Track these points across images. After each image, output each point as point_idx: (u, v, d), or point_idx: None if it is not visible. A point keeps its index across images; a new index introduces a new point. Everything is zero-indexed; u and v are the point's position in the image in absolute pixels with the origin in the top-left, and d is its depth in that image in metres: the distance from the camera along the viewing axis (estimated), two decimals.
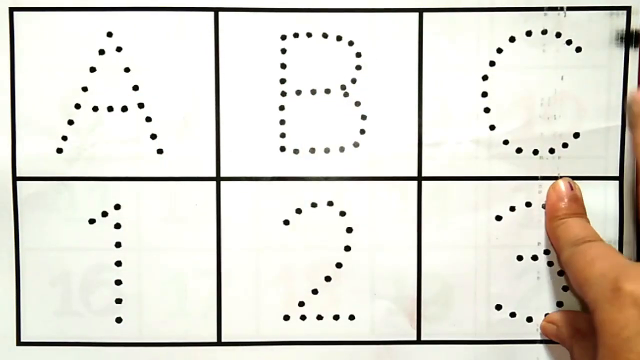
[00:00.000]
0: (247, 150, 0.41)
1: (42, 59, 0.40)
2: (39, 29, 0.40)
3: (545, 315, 0.41)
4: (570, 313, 0.41)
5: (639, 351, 0.30)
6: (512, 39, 0.40)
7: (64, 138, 0.40)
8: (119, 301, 0.41)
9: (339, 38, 0.40)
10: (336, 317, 0.41)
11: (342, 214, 0.41)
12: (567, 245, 0.38)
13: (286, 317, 0.41)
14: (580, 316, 0.40)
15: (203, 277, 0.41)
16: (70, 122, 0.40)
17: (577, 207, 0.40)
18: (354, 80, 0.40)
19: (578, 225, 0.39)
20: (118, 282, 0.41)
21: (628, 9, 0.40)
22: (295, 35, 0.40)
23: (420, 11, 0.40)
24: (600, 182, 0.41)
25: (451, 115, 0.40)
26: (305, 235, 0.41)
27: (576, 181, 0.40)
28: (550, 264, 0.41)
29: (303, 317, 0.41)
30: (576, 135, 0.40)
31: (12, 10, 0.40)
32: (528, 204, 0.41)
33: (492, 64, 0.40)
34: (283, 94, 0.40)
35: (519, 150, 0.41)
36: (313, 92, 0.40)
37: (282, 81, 0.40)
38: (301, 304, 0.41)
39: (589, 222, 0.40)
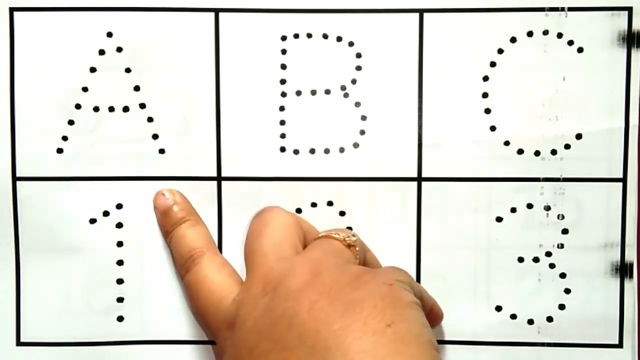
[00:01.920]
0: (247, 151, 0.41)
1: (42, 59, 0.40)
2: (39, 29, 0.40)
3: (547, 317, 0.41)
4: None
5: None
6: (513, 40, 0.40)
7: (65, 138, 0.40)
8: (120, 300, 0.41)
9: (339, 39, 0.40)
10: None
11: (342, 214, 0.41)
12: (181, 267, 0.40)
13: None
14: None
15: None
16: (71, 122, 0.40)
17: (174, 216, 0.40)
18: (354, 81, 0.40)
19: (185, 240, 0.39)
20: (119, 281, 0.41)
21: (630, 10, 0.40)
22: (296, 35, 0.40)
23: (421, 12, 0.40)
24: (604, 183, 0.40)
25: (451, 116, 0.40)
26: None
27: (579, 182, 0.40)
28: (552, 266, 0.41)
29: None
30: (578, 136, 0.40)
31: (12, 10, 0.40)
32: (529, 206, 0.41)
33: (492, 64, 0.40)
34: (283, 94, 0.40)
35: (520, 152, 0.40)
36: (313, 92, 0.40)
37: (282, 82, 0.40)
38: None
39: (193, 224, 0.40)
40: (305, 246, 0.38)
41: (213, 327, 0.36)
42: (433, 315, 0.39)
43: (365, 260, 0.38)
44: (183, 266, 0.39)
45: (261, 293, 0.34)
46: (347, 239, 0.37)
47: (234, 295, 0.36)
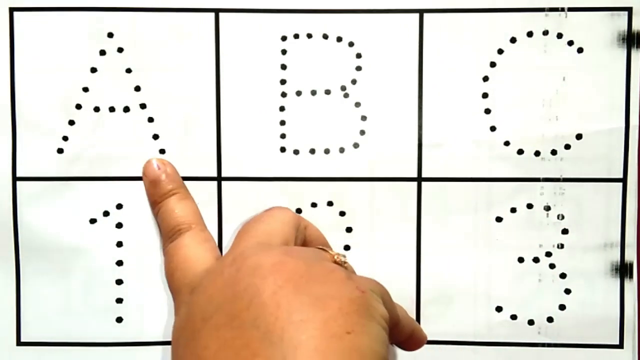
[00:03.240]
0: (247, 151, 0.41)
1: (43, 59, 0.40)
2: (39, 29, 0.40)
3: (547, 318, 0.41)
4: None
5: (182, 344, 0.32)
6: (513, 40, 0.40)
7: (65, 138, 0.40)
8: (119, 301, 0.41)
9: (339, 39, 0.40)
10: None
11: (342, 214, 0.41)
12: (164, 238, 0.40)
13: None
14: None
15: None
16: (71, 123, 0.40)
17: (162, 188, 0.40)
18: (354, 81, 0.40)
19: (168, 214, 0.39)
20: (119, 282, 0.41)
21: (629, 10, 0.40)
22: (296, 36, 0.40)
23: (421, 12, 0.40)
24: (604, 184, 0.40)
25: (451, 116, 0.40)
26: None
27: (579, 183, 0.40)
28: (552, 266, 0.41)
29: None
30: (579, 136, 0.40)
31: (12, 10, 0.40)
32: (529, 206, 0.41)
33: (492, 64, 0.40)
34: (283, 94, 0.40)
35: (520, 152, 0.40)
36: (313, 93, 0.40)
37: (283, 82, 0.40)
38: None
39: (181, 197, 0.40)
40: None
41: (175, 288, 0.36)
42: (414, 340, 0.38)
43: None
44: (168, 238, 0.39)
45: (229, 262, 0.33)
46: (337, 256, 0.35)
47: (206, 266, 0.36)
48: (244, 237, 0.36)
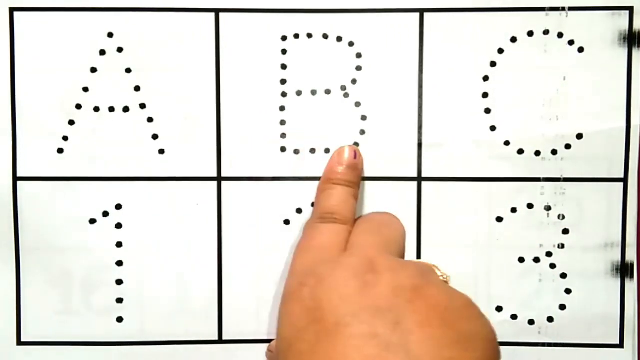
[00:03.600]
0: (247, 151, 0.41)
1: (43, 59, 0.40)
2: (39, 29, 0.40)
3: (548, 318, 0.41)
4: None
5: (309, 340, 0.30)
6: (513, 39, 0.40)
7: (65, 138, 0.40)
8: (120, 301, 0.41)
9: (339, 39, 0.40)
10: None
11: None
12: (312, 217, 0.39)
13: None
14: None
15: (204, 277, 0.41)
16: (71, 123, 0.40)
17: (351, 176, 0.39)
18: (354, 81, 0.40)
19: (334, 198, 0.38)
20: (119, 282, 0.41)
21: (630, 9, 0.40)
22: (296, 36, 0.40)
23: (421, 12, 0.40)
24: (604, 184, 0.40)
25: (452, 116, 0.40)
26: None
27: (580, 183, 0.40)
28: (552, 266, 0.41)
29: None
30: (579, 136, 0.40)
31: (12, 10, 0.40)
32: (530, 206, 0.41)
33: (493, 64, 0.40)
34: (284, 94, 0.40)
35: (520, 152, 0.40)
36: (313, 92, 0.40)
37: (283, 82, 0.40)
38: None
39: (354, 195, 0.39)
40: None
41: (299, 267, 0.35)
42: None
43: None
44: (320, 216, 0.38)
45: (361, 264, 0.32)
46: (445, 277, 0.35)
47: (336, 260, 0.34)
48: (368, 237, 0.35)
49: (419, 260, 0.37)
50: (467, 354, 0.28)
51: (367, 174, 0.41)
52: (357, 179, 0.39)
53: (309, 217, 0.40)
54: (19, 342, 0.41)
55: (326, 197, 0.39)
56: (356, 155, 0.39)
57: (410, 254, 0.41)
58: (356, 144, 0.40)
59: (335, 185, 0.39)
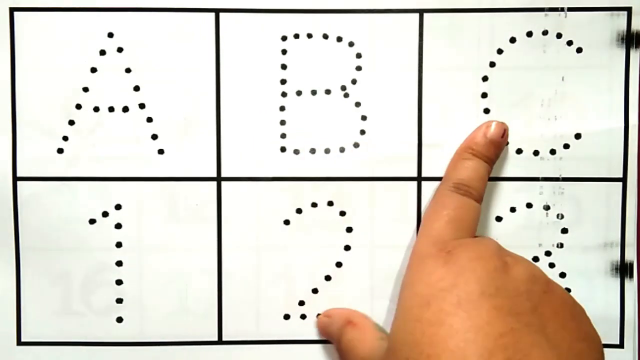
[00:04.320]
0: (247, 151, 0.41)
1: (43, 59, 0.40)
2: (39, 29, 0.40)
3: None
4: (346, 309, 0.41)
5: (451, 302, 0.31)
6: (512, 40, 0.40)
7: (65, 138, 0.40)
8: (119, 301, 0.41)
9: (339, 39, 0.40)
10: None
11: (342, 214, 0.41)
12: (445, 181, 0.39)
13: (286, 316, 0.41)
14: (355, 311, 0.40)
15: (204, 277, 0.41)
16: (71, 123, 0.40)
17: (492, 152, 0.39)
18: (354, 81, 0.40)
19: (471, 170, 0.38)
20: (119, 282, 0.41)
21: (629, 10, 0.40)
22: (296, 36, 0.40)
23: (421, 12, 0.40)
24: (603, 183, 0.41)
25: (451, 116, 0.40)
26: (305, 235, 0.41)
27: (578, 182, 0.40)
28: (551, 265, 0.41)
29: (303, 316, 0.41)
30: (578, 136, 0.40)
31: (12, 10, 0.40)
32: (529, 205, 0.41)
33: (492, 64, 0.40)
34: (283, 94, 0.40)
35: (519, 151, 0.40)
36: (313, 92, 0.40)
37: (283, 82, 0.40)
38: (301, 303, 0.41)
39: (488, 173, 0.39)
40: None
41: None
42: None
43: None
44: (455, 184, 0.38)
45: (501, 252, 0.35)
46: None
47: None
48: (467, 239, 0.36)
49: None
50: (591, 352, 0.32)
51: (367, 174, 0.41)
52: (495, 157, 0.40)
53: (309, 217, 0.40)
54: (19, 342, 0.41)
55: (464, 166, 0.39)
56: (504, 134, 0.39)
57: (410, 253, 0.41)
58: (356, 144, 0.40)
59: (473, 157, 0.39)
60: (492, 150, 0.39)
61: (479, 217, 0.38)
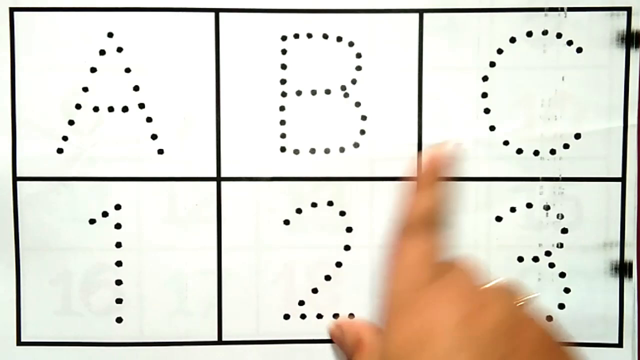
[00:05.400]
0: (247, 151, 0.41)
1: (43, 59, 0.40)
2: (39, 29, 0.40)
3: (547, 317, 0.41)
4: (358, 322, 0.40)
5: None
6: (512, 40, 0.40)
7: (65, 138, 0.40)
8: (119, 301, 0.41)
9: (339, 39, 0.40)
10: (336, 316, 0.41)
11: (342, 214, 0.41)
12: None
13: (286, 316, 0.41)
14: (366, 327, 0.39)
15: (203, 277, 0.41)
16: (71, 123, 0.40)
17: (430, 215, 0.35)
18: (354, 81, 0.40)
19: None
20: (118, 282, 0.41)
21: (628, 10, 0.40)
22: (296, 36, 0.40)
23: (421, 12, 0.40)
24: (603, 183, 0.41)
25: (451, 115, 0.40)
26: (305, 235, 0.41)
27: (578, 182, 0.40)
28: (551, 265, 0.41)
29: (303, 316, 0.41)
30: (577, 136, 0.40)
31: (12, 10, 0.40)
32: (529, 205, 0.41)
33: (492, 64, 0.40)
34: (283, 94, 0.40)
35: (519, 151, 0.41)
36: (313, 92, 0.40)
37: (283, 82, 0.40)
38: (301, 302, 0.41)
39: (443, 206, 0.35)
40: None
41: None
42: None
43: None
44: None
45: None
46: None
47: None
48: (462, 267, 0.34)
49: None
50: None
51: (366, 174, 0.41)
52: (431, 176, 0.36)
53: (308, 217, 0.40)
54: (19, 342, 0.41)
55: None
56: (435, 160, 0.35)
57: None
58: (356, 144, 0.40)
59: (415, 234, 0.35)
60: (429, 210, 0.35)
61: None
